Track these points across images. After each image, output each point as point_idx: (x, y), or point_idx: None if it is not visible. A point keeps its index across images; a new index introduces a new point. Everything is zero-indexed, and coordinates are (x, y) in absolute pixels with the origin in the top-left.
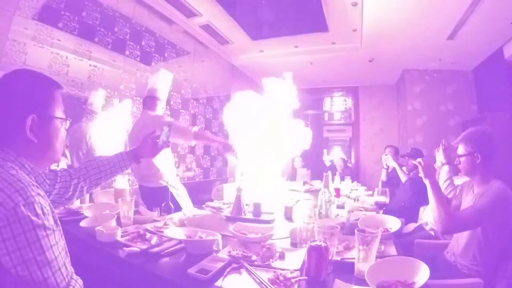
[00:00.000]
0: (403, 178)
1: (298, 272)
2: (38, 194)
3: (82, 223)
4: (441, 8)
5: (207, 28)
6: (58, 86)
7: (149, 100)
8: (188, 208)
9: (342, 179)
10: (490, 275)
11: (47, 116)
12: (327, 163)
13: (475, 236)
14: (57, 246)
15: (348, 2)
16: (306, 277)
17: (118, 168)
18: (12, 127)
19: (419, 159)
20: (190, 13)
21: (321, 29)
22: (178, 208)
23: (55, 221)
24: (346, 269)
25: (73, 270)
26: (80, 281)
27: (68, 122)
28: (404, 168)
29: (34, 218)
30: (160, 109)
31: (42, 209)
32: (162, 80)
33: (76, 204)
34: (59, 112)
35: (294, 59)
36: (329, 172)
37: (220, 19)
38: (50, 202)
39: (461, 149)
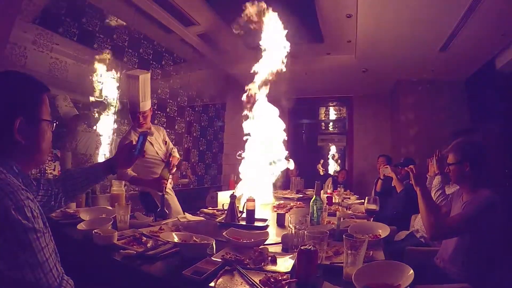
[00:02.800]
0: (399, 188)
1: (288, 275)
2: (28, 197)
3: (79, 226)
4: (434, 20)
5: (204, 36)
6: (45, 89)
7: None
8: (181, 214)
9: (335, 187)
10: (478, 280)
11: (35, 118)
12: (321, 172)
13: (463, 243)
14: (47, 248)
15: (343, 14)
16: (296, 280)
17: (93, 179)
18: (0, 129)
19: (411, 166)
20: (188, 22)
21: (316, 40)
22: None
23: (44, 223)
24: (335, 273)
25: (63, 271)
26: (71, 282)
27: (54, 124)
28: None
29: (24, 222)
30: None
31: (32, 212)
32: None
33: (72, 207)
34: (46, 115)
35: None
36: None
37: (217, 28)
38: (38, 205)
39: (451, 158)
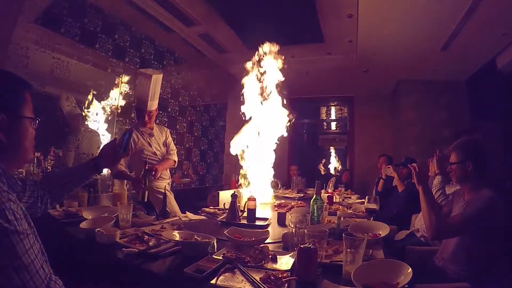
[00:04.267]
0: (400, 188)
1: (288, 273)
2: (9, 199)
3: (82, 225)
4: (435, 19)
5: (205, 37)
6: (27, 86)
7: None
8: (181, 214)
9: (336, 187)
10: (478, 280)
11: (16, 115)
12: (322, 172)
13: (463, 242)
14: (32, 250)
15: (344, 14)
16: (296, 277)
17: (79, 179)
18: None
19: (414, 164)
20: (189, 22)
21: (317, 40)
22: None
23: (29, 224)
24: (334, 271)
25: (51, 271)
26: (59, 282)
27: (37, 121)
28: None
29: (6, 225)
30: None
31: (14, 214)
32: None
33: (74, 206)
34: (28, 112)
35: (290, 69)
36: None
37: (218, 28)
38: (22, 205)
39: (453, 157)
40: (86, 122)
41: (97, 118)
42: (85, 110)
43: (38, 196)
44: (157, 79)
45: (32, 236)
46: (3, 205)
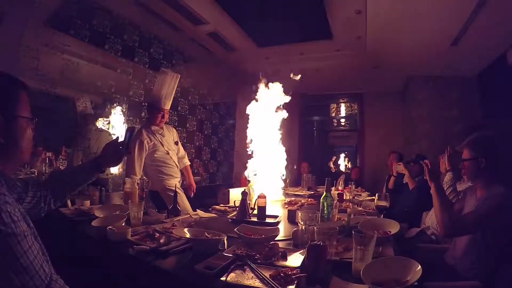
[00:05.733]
0: (411, 185)
1: (298, 270)
2: (6, 202)
3: (94, 223)
4: (444, 14)
5: (214, 35)
6: (22, 86)
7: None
8: (192, 211)
9: (346, 184)
10: (489, 278)
11: (11, 115)
12: (333, 169)
13: (475, 240)
14: (31, 250)
15: (352, 10)
16: (306, 274)
17: (81, 179)
18: None
19: (426, 161)
20: (197, 21)
21: (325, 36)
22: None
23: (28, 224)
24: (344, 268)
25: (52, 271)
26: (60, 281)
27: (34, 121)
28: None
29: (2, 228)
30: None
31: (10, 217)
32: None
33: (86, 205)
34: (24, 112)
35: (299, 66)
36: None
37: (226, 27)
38: (21, 207)
39: (465, 154)
40: (96, 122)
41: (108, 118)
42: (95, 110)
43: (41, 196)
44: (175, 79)
45: (31, 237)
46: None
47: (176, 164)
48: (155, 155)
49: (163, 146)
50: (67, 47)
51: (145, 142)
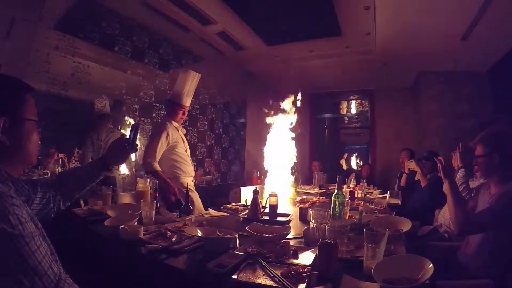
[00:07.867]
0: (423, 182)
1: (309, 268)
2: (13, 204)
3: (107, 222)
4: (454, 8)
5: (222, 35)
6: (29, 89)
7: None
8: (203, 210)
9: (358, 182)
10: (501, 276)
11: (18, 118)
12: (344, 167)
13: (487, 238)
14: (39, 251)
15: (361, 6)
16: (317, 272)
17: (88, 179)
18: None
19: (440, 157)
20: (205, 21)
21: (334, 33)
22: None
23: (36, 225)
24: (355, 266)
25: (62, 270)
26: (69, 280)
27: (41, 124)
28: None
29: (10, 230)
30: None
31: (18, 219)
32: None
33: (99, 205)
34: (31, 114)
35: (309, 64)
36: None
37: (235, 26)
38: (29, 209)
39: (479, 150)
40: (109, 123)
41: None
42: (107, 111)
43: (50, 197)
44: (196, 77)
45: (39, 237)
46: (7, 210)
47: (191, 163)
48: (175, 150)
49: (183, 142)
50: (77, 50)
51: (171, 134)
